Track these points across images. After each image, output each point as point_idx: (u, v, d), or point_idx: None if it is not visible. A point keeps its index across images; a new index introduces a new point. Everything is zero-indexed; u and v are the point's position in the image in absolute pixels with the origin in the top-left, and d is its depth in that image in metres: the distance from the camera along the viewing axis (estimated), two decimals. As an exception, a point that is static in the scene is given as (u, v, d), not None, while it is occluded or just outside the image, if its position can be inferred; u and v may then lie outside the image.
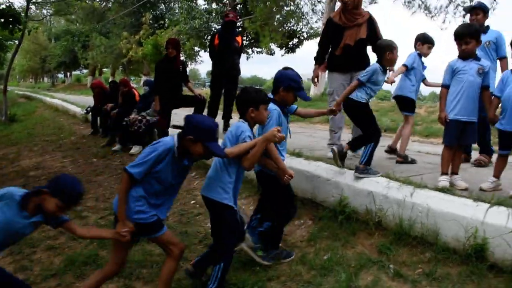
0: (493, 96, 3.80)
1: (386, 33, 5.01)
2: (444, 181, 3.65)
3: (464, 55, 3.80)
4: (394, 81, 4.66)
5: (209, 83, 7.88)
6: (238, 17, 7.18)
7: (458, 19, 14.87)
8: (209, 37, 19.92)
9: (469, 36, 3.75)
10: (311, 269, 3.31)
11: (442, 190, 3.49)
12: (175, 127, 6.81)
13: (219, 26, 7.90)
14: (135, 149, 7.75)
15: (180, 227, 4.40)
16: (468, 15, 5.08)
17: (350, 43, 4.90)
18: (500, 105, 3.77)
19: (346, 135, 5.57)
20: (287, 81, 3.42)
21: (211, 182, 3.02)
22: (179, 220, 4.63)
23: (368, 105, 4.10)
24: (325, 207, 4.16)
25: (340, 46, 4.96)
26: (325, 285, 3.06)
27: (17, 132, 13.49)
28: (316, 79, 5.44)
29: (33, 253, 4.06)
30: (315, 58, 5.31)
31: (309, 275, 3.24)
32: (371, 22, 4.93)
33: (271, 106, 3.28)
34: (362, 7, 5.14)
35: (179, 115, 7.37)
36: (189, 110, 6.95)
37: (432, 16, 15.71)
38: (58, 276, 3.54)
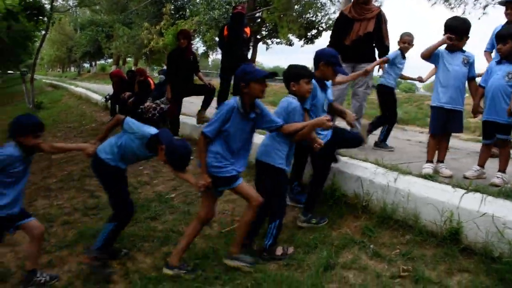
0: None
1: (406, 24, 5.19)
2: (427, 168, 3.83)
3: (453, 48, 3.95)
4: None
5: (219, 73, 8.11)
6: (245, 10, 7.36)
7: (478, 10, 14.73)
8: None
9: (466, 33, 3.93)
10: (296, 247, 3.56)
11: (425, 176, 3.67)
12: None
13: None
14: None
15: (183, 207, 4.70)
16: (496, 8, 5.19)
17: (360, 33, 5.11)
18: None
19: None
20: (327, 57, 3.78)
21: (268, 149, 3.46)
22: (183, 200, 4.92)
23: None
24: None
25: (350, 36, 5.16)
26: (307, 261, 3.30)
27: (43, 119, 13.99)
28: None
29: (50, 227, 4.45)
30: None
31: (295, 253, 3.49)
32: (379, 18, 5.11)
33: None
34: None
35: (195, 104, 7.71)
36: (200, 98, 7.26)
37: (452, 7, 15.59)
38: (70, 247, 3.91)
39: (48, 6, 15.05)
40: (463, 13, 15.18)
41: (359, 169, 4.02)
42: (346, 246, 3.45)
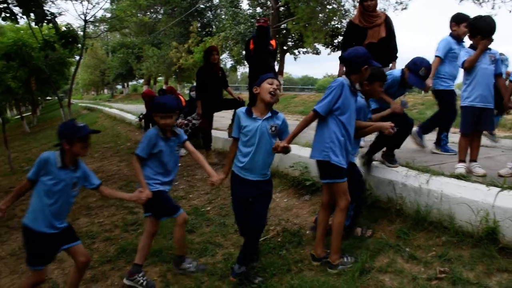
0: (508, 82, 3.90)
1: (433, 25, 5.24)
2: (460, 168, 3.80)
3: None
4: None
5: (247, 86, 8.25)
6: (269, 22, 7.50)
7: (508, 3, 14.38)
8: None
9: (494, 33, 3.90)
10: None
11: (458, 176, 3.65)
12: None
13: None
14: (182, 151, 8.26)
15: (219, 219, 4.80)
16: None
17: (374, 40, 5.27)
18: None
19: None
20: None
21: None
22: (218, 213, 5.03)
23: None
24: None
25: (365, 43, 5.27)
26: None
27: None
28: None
29: (92, 243, 4.65)
30: (340, 58, 5.60)
31: (331, 259, 3.52)
32: (388, 22, 5.31)
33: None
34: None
35: (226, 118, 7.86)
36: (230, 112, 7.40)
37: (480, 3, 15.28)
38: (112, 262, 4.07)
39: (81, 33, 15.69)
40: (493, 8, 14.84)
41: (391, 172, 4.02)
42: (381, 250, 3.46)
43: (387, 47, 5.33)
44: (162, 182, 3.50)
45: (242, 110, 3.29)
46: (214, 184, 3.42)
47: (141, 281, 3.45)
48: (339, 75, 5.75)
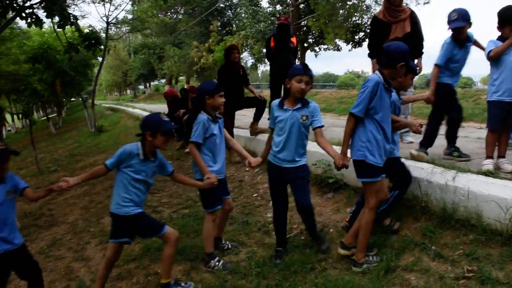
0: None
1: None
2: (488, 164, 3.71)
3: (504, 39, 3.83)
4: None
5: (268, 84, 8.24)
6: (289, 19, 7.48)
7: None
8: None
9: None
10: (357, 252, 3.55)
11: (485, 173, 3.56)
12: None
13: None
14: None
15: (242, 217, 4.81)
16: None
17: (399, 35, 5.19)
18: None
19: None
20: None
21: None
22: (241, 211, 5.04)
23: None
24: (375, 195, 4.35)
25: (390, 38, 5.22)
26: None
27: (104, 141, 14.86)
28: None
29: (117, 243, 4.70)
30: (370, 55, 5.58)
31: (355, 257, 3.48)
32: (413, 17, 5.24)
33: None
34: None
35: (248, 116, 7.86)
36: (251, 111, 7.40)
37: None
38: (137, 260, 4.12)
39: (103, 35, 15.94)
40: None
41: (416, 169, 3.95)
42: (407, 248, 3.41)
43: (412, 43, 5.21)
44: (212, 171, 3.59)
45: (275, 102, 3.54)
46: (252, 165, 3.64)
47: (217, 265, 3.64)
48: (373, 71, 5.70)
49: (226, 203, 3.94)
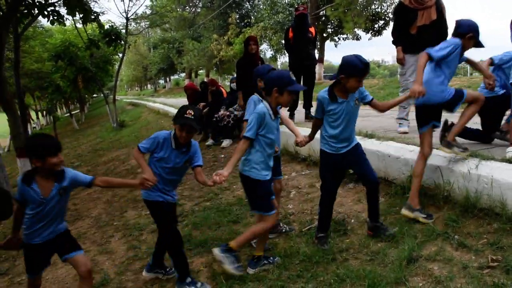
0: None
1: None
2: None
3: None
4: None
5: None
6: (308, 9, 7.45)
7: None
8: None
9: None
10: (379, 242, 3.54)
11: (510, 161, 3.49)
12: None
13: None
14: (226, 143, 8.37)
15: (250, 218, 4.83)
16: None
17: (426, 22, 5.21)
18: None
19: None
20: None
21: None
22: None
23: None
24: (396, 184, 4.32)
25: (416, 25, 5.25)
26: (390, 255, 3.27)
27: (126, 136, 15.06)
28: (402, 60, 5.57)
29: (140, 235, 4.82)
30: (394, 42, 5.54)
31: (377, 247, 3.47)
32: (438, 5, 5.22)
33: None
34: None
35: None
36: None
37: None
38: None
39: (123, 31, 16.09)
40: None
41: (437, 158, 3.90)
42: (429, 237, 3.37)
43: (439, 30, 5.24)
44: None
45: (324, 95, 3.46)
46: (299, 144, 3.62)
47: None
48: (398, 59, 5.61)
49: (277, 182, 3.93)
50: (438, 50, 3.53)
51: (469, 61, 3.89)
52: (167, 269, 3.67)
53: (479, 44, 3.64)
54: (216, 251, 3.35)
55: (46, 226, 2.98)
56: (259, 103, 3.37)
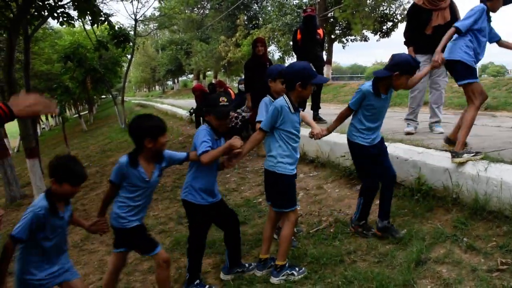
0: None
1: None
2: (522, 154, 3.61)
3: None
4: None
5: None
6: (316, 11, 7.46)
7: None
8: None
9: None
10: (387, 244, 3.53)
11: (519, 163, 3.47)
12: None
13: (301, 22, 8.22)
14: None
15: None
16: None
17: (441, 23, 5.22)
18: None
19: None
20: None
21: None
22: (264, 209, 5.06)
23: None
24: (405, 186, 4.30)
25: (432, 25, 5.27)
26: (398, 257, 3.26)
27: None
28: None
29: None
30: (406, 43, 5.56)
31: (385, 249, 3.46)
32: (452, 6, 5.26)
33: None
34: None
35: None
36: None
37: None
38: (167, 253, 4.17)
39: (132, 32, 16.19)
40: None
41: (446, 160, 3.88)
42: (438, 240, 3.36)
43: None
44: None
45: (370, 89, 3.48)
46: (315, 136, 3.64)
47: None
48: None
49: None
50: (463, 20, 3.70)
51: (502, 44, 4.02)
52: (247, 266, 3.55)
53: (508, 1, 3.68)
54: (274, 280, 3.28)
55: (142, 208, 3.02)
56: (271, 105, 3.33)
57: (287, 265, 3.34)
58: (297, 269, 3.33)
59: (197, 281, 3.32)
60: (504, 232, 3.22)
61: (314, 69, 3.27)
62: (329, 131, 3.79)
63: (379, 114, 3.56)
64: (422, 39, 5.34)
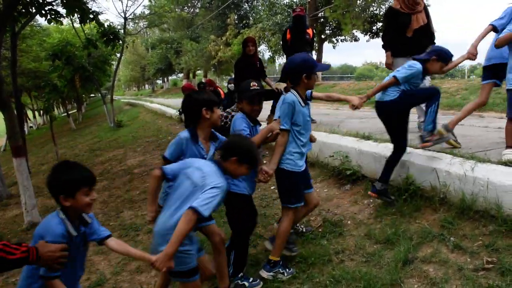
0: None
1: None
2: (508, 154, 3.65)
3: None
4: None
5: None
6: (305, 11, 7.49)
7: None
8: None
9: None
10: (375, 243, 3.55)
11: (506, 163, 3.50)
12: None
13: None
14: (222, 144, 8.34)
15: (260, 210, 4.81)
16: None
17: (421, 25, 5.33)
18: None
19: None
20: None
21: None
22: (259, 204, 5.06)
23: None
24: (393, 186, 4.32)
25: (413, 28, 5.32)
26: (385, 256, 3.28)
27: (123, 136, 15.04)
28: (391, 66, 5.61)
29: (137, 235, 4.82)
30: (384, 46, 5.59)
31: (372, 248, 3.48)
32: (426, 9, 5.39)
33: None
34: None
35: (266, 109, 7.86)
36: (269, 103, 7.39)
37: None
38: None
39: (121, 31, 16.05)
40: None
41: (434, 160, 3.91)
42: (425, 239, 3.38)
43: (429, 34, 5.41)
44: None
45: (420, 69, 3.76)
46: (358, 106, 3.71)
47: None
48: (387, 64, 5.66)
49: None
50: (499, 20, 3.92)
51: None
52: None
53: None
54: (264, 273, 3.31)
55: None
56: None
57: (281, 263, 3.34)
58: (287, 269, 3.34)
59: (241, 274, 3.28)
60: (490, 232, 3.25)
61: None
62: (369, 97, 3.96)
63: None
64: (402, 42, 5.39)
